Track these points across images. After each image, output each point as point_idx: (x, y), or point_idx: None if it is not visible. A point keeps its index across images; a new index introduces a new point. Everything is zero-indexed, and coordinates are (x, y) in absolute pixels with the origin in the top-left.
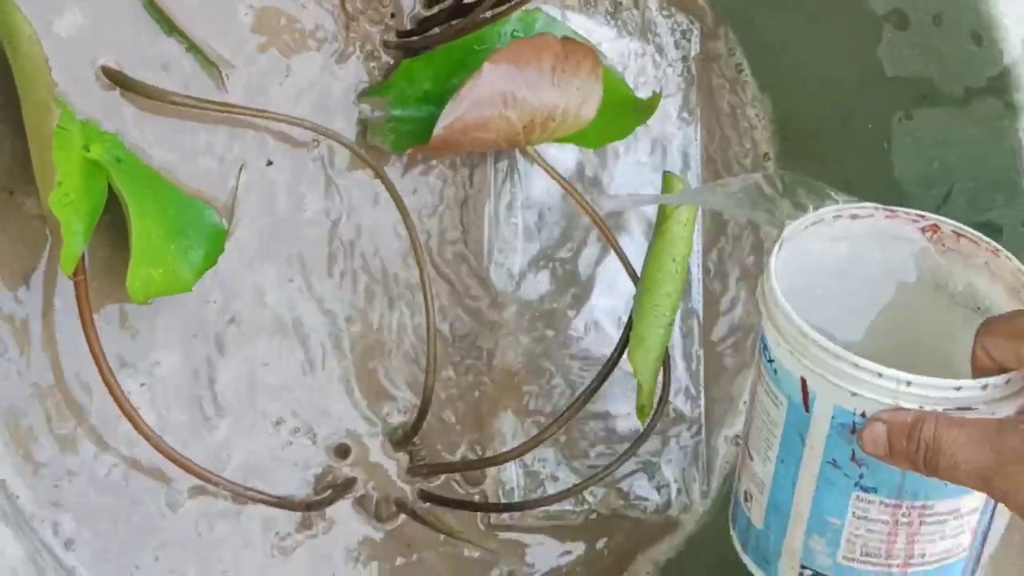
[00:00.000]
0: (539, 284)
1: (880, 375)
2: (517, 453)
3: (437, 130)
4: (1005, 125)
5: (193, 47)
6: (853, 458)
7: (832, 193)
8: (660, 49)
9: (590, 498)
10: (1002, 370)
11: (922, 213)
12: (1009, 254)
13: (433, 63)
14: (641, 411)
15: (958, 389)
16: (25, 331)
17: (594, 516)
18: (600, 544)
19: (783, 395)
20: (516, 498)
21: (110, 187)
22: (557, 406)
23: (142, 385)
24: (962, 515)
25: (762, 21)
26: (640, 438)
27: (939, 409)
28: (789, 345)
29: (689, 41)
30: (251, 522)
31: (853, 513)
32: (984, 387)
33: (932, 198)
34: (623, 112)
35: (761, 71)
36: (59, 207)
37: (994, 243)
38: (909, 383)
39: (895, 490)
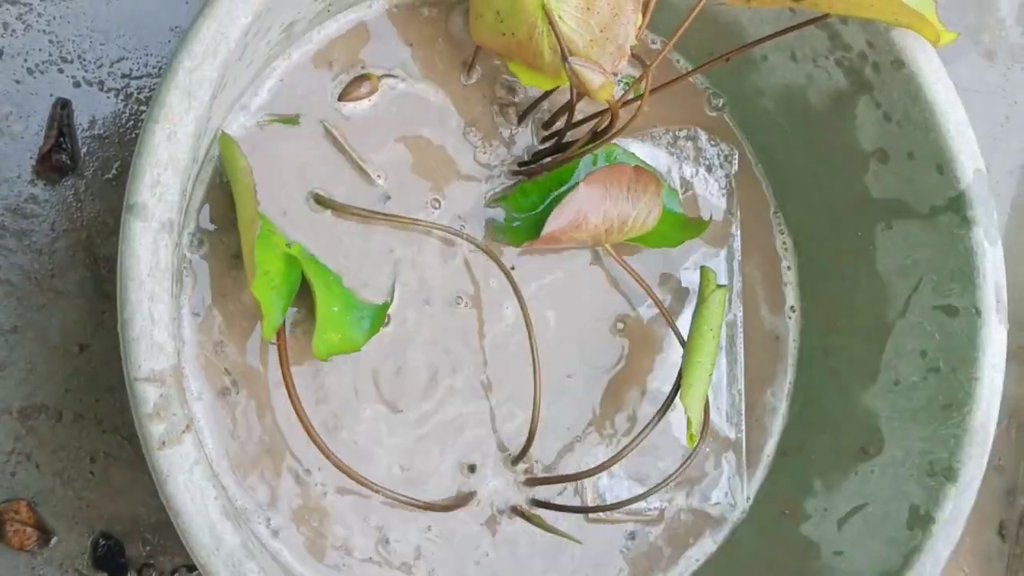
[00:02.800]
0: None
1: None
2: (605, 467)
3: (545, 231)
4: (961, 233)
5: (366, 175)
6: None
7: None
8: (709, 168)
9: (658, 502)
10: None
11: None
12: None
13: (540, 183)
14: (691, 439)
15: None
16: (248, 379)
17: (663, 512)
18: (663, 534)
19: None
20: (607, 500)
21: (303, 276)
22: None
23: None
24: None
25: (779, 156)
26: (691, 456)
27: None
28: None
29: (731, 163)
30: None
31: None
32: None
33: (906, 286)
34: (678, 228)
35: (779, 192)
36: (260, 291)
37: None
38: None
39: None
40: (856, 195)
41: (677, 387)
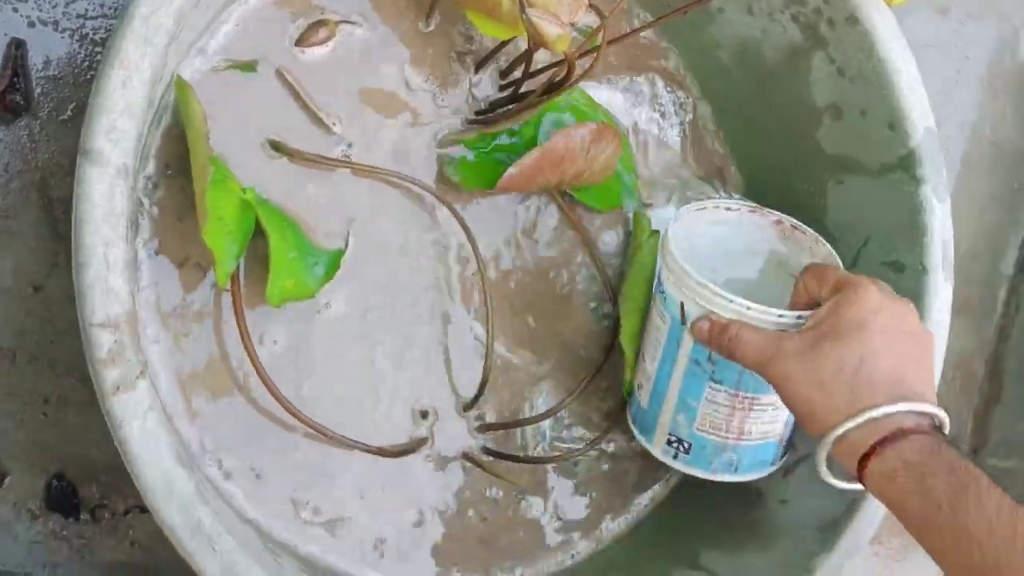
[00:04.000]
0: None
1: (731, 300)
2: (551, 413)
3: (500, 183)
4: (910, 191)
5: (322, 122)
6: (709, 358)
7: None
8: (663, 114)
9: (607, 447)
10: (813, 303)
11: (773, 211)
12: (823, 240)
13: (498, 132)
14: (626, 386)
15: (780, 316)
16: (203, 325)
17: (610, 457)
18: (609, 481)
19: (668, 315)
20: (548, 439)
21: (258, 222)
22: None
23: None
24: (778, 407)
25: (732, 108)
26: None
27: (770, 328)
28: (675, 278)
29: (685, 111)
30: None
31: (706, 398)
32: (798, 318)
33: (855, 242)
34: (618, 192)
35: (733, 142)
36: (212, 237)
37: (815, 233)
38: (748, 307)
39: (734, 383)
40: (808, 150)
41: (617, 329)
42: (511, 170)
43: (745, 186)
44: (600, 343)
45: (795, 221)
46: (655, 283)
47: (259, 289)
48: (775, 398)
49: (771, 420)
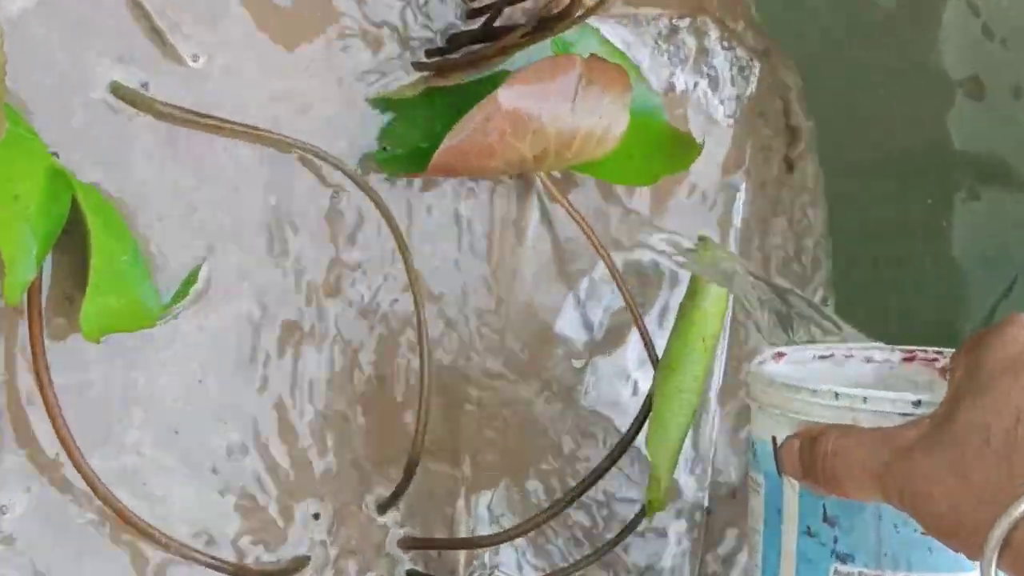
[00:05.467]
0: None
1: (837, 395)
2: (512, 535)
3: (435, 157)
4: None
5: (178, 55)
6: (825, 517)
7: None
8: (714, 82)
9: None
10: None
11: (940, 350)
12: None
13: (457, 87)
14: (651, 506)
15: (916, 403)
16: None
17: None
18: None
19: (760, 475)
20: None
21: (75, 208)
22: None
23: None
24: None
25: (823, 77)
26: (630, 526)
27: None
28: (760, 406)
29: (747, 79)
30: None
31: None
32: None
33: (993, 285)
34: (656, 152)
35: (817, 132)
36: (1, 229)
37: None
38: (865, 399)
39: (874, 557)
40: (930, 144)
41: (639, 426)
42: (447, 140)
43: (830, 199)
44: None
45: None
46: (747, 459)
47: (73, 311)
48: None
49: None
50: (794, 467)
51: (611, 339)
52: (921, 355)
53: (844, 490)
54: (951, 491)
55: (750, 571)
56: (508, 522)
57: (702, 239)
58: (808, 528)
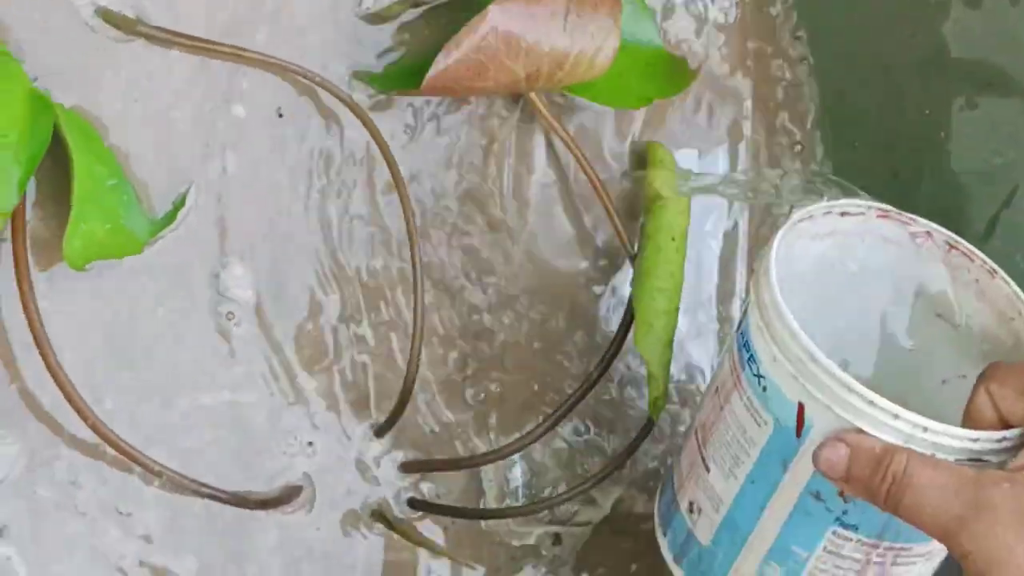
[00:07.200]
0: None
1: (896, 416)
2: (515, 448)
3: (429, 74)
4: None
5: None
6: (841, 493)
7: (861, 194)
8: None
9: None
10: (1004, 423)
11: (914, 217)
12: (1008, 278)
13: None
14: (654, 405)
15: (975, 440)
16: None
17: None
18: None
19: (769, 415)
20: (520, 499)
21: (56, 133)
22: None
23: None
24: (932, 556)
25: None
26: (643, 432)
27: (950, 459)
28: (791, 367)
29: None
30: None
31: (824, 547)
32: (1000, 440)
33: (992, 196)
34: (650, 73)
35: (813, 39)
36: None
37: (992, 263)
38: (925, 428)
39: (877, 530)
40: (927, 53)
41: (625, 331)
42: (440, 59)
43: (824, 107)
44: (604, 334)
45: (953, 236)
46: (739, 352)
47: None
48: (933, 545)
49: (920, 574)
50: (837, 471)
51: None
52: (895, 215)
53: (904, 520)
54: None
55: (706, 486)
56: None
57: (651, 145)
58: (817, 493)
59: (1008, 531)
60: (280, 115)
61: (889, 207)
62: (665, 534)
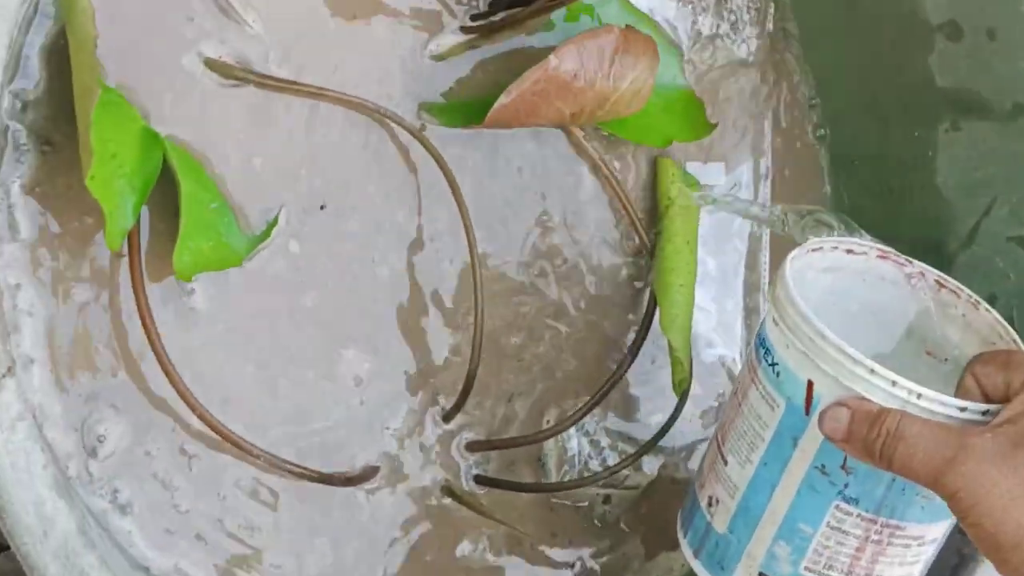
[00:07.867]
0: None
1: (894, 383)
2: (568, 423)
3: (491, 113)
4: None
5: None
6: (843, 465)
7: (861, 232)
8: (735, 25)
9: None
10: (987, 399)
11: (910, 260)
12: (989, 307)
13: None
14: (679, 386)
15: (962, 409)
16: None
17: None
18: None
19: (781, 397)
20: (577, 467)
21: (165, 164)
22: None
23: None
24: (924, 543)
25: (815, 20)
26: (678, 408)
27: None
28: (802, 346)
29: (763, 21)
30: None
31: (828, 523)
32: (985, 412)
33: (974, 207)
34: (672, 112)
35: (815, 68)
36: (100, 184)
37: (975, 296)
38: (919, 395)
39: (875, 504)
40: (915, 82)
41: (650, 319)
42: (502, 99)
43: (831, 128)
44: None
45: (942, 275)
46: (756, 351)
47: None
48: (926, 529)
49: (912, 561)
50: (839, 432)
51: None
52: (893, 256)
53: (898, 472)
54: (1019, 506)
55: (725, 479)
56: None
57: (660, 160)
58: (823, 466)
59: (992, 468)
60: (322, 207)
61: (889, 249)
62: (686, 535)
